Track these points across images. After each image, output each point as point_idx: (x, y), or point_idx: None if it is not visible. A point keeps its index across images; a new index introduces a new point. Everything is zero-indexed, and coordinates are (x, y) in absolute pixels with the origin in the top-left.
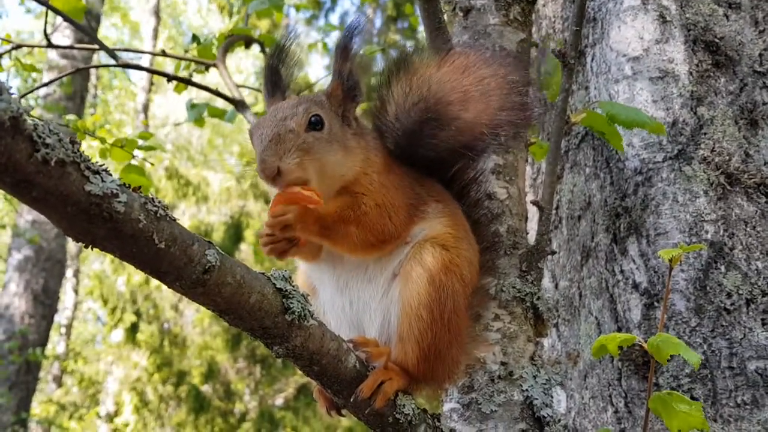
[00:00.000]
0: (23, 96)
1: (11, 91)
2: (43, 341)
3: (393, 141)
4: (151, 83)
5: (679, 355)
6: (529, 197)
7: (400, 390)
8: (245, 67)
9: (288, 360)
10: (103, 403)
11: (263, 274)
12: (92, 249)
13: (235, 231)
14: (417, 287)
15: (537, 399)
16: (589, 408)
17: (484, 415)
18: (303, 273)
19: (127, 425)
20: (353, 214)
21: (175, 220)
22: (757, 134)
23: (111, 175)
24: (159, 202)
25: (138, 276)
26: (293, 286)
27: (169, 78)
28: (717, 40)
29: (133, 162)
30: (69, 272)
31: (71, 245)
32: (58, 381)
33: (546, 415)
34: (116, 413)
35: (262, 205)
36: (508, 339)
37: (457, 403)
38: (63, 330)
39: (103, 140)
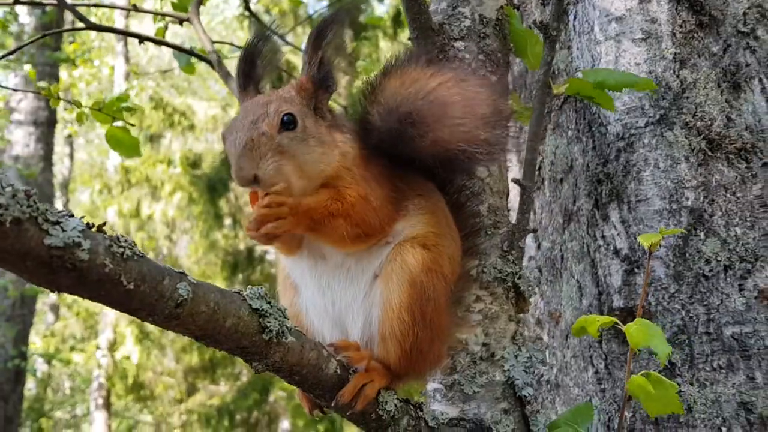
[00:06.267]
0: (5, 57)
1: None
2: None
3: (378, 138)
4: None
5: (658, 322)
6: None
7: (382, 388)
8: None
9: (268, 372)
10: (103, 332)
11: (238, 293)
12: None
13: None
14: (398, 289)
15: (518, 379)
16: (570, 366)
17: (466, 396)
18: (283, 270)
19: (128, 357)
20: (341, 207)
21: (143, 256)
22: (739, 97)
23: (72, 218)
24: (125, 240)
25: (128, 206)
26: (270, 304)
27: (141, 39)
28: None
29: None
30: (58, 204)
31: (58, 177)
32: (56, 311)
33: (527, 395)
34: (115, 343)
35: None
36: (489, 320)
37: (440, 384)
38: None
39: (78, 104)
